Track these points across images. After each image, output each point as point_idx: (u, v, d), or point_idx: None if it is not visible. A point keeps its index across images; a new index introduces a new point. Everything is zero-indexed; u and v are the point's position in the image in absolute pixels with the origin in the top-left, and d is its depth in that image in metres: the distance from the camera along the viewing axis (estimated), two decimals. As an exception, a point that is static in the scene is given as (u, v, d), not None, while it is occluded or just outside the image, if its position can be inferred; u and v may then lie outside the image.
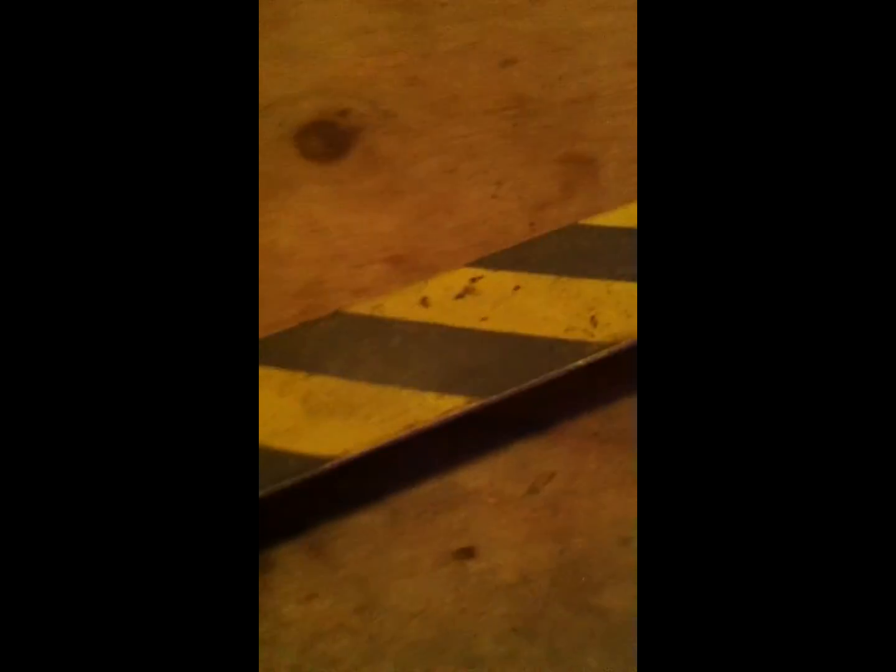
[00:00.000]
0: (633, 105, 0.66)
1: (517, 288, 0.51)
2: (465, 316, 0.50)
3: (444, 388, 0.46)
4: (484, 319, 0.49)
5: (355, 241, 0.62)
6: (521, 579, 0.49)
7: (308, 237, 0.62)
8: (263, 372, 0.49)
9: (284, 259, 0.61)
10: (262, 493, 0.43)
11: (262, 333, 0.56)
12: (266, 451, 0.45)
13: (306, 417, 0.46)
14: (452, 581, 0.49)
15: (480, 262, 0.53)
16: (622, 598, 0.48)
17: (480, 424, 0.52)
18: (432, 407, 0.46)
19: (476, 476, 0.52)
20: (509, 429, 0.53)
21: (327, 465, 0.44)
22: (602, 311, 0.50)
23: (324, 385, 0.48)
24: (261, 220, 0.62)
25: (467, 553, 0.50)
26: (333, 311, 0.52)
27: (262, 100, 0.67)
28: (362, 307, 0.52)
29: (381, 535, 0.50)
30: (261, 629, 0.48)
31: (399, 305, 0.51)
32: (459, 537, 0.50)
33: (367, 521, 0.51)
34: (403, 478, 0.52)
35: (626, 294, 0.50)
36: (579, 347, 0.49)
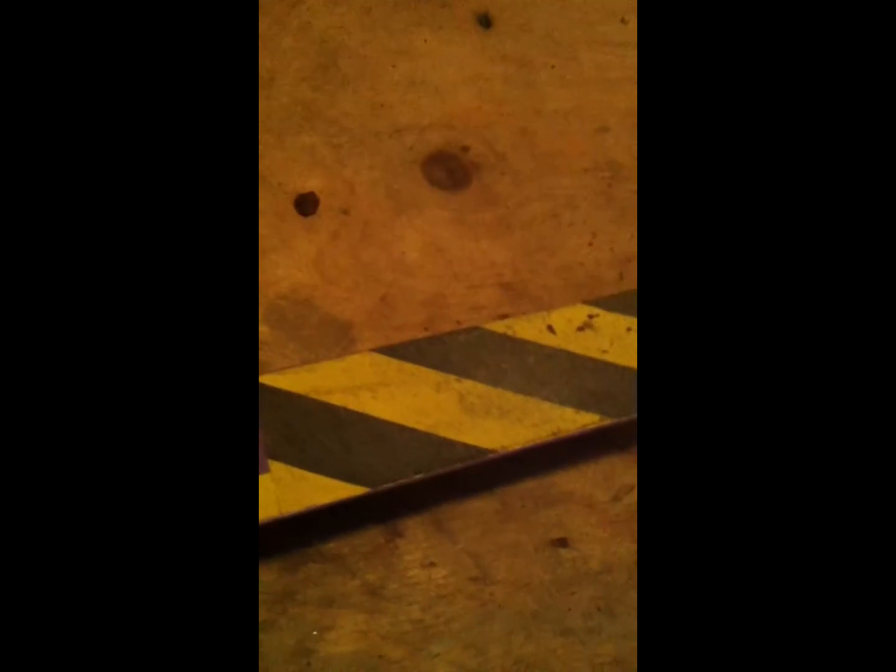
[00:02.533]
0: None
1: (629, 329, 0.62)
2: (587, 346, 0.60)
3: (580, 405, 0.56)
4: (604, 352, 0.60)
5: (472, 265, 0.71)
6: (605, 569, 0.59)
7: (432, 255, 0.71)
8: (420, 369, 0.58)
9: (413, 271, 0.69)
10: (435, 472, 0.52)
11: (395, 331, 0.65)
12: (434, 437, 0.54)
13: (464, 414, 0.55)
14: (550, 564, 0.59)
15: (595, 303, 0.63)
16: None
17: (576, 439, 0.63)
18: (572, 419, 0.56)
19: (571, 480, 0.62)
20: (600, 445, 0.64)
21: (490, 456, 0.53)
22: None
23: (474, 388, 0.57)
24: (392, 233, 0.70)
25: (562, 542, 0.60)
26: (472, 326, 0.61)
27: (394, 124, 0.76)
28: (497, 326, 0.61)
29: (492, 519, 0.60)
30: (391, 588, 0.56)
31: (529, 329, 0.61)
32: (556, 529, 0.60)
33: (481, 507, 0.60)
34: (511, 474, 0.61)
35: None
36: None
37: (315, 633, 0.53)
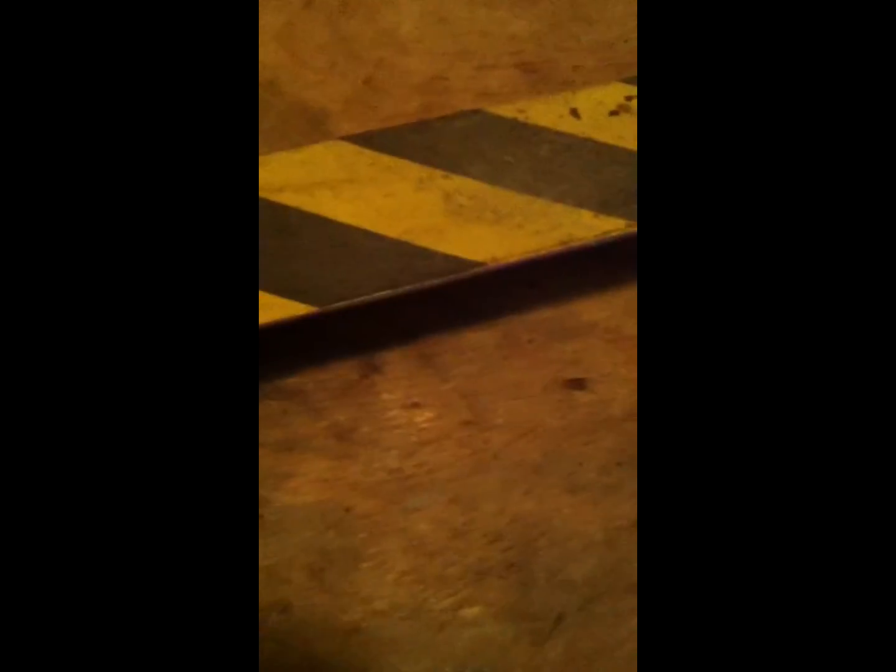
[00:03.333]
0: None
1: (678, 114, 0.47)
2: (620, 135, 0.46)
3: (602, 207, 0.43)
4: (642, 142, 0.45)
5: (485, 40, 0.56)
6: (629, 415, 0.48)
7: (433, 27, 0.56)
8: (398, 162, 0.45)
9: (407, 47, 0.55)
10: (404, 289, 0.41)
11: (380, 123, 0.52)
12: (407, 246, 0.42)
13: (449, 218, 0.43)
14: (561, 409, 0.48)
15: (637, 81, 0.48)
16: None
17: (604, 257, 0.50)
18: (588, 225, 0.43)
19: (594, 310, 0.50)
20: (630, 263, 0.51)
21: (477, 270, 0.41)
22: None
23: (465, 186, 0.44)
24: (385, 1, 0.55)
25: (578, 384, 0.49)
26: (474, 108, 0.47)
27: None
28: (504, 109, 0.48)
29: (492, 354, 0.49)
30: (363, 431, 0.47)
31: (545, 114, 0.47)
32: (572, 367, 0.49)
33: (479, 340, 0.49)
34: (518, 299, 0.49)
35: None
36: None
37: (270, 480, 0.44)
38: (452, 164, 0.45)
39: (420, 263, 0.42)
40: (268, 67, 0.53)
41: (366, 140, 0.46)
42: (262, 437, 0.46)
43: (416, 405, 0.47)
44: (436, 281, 0.41)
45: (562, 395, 0.48)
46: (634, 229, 0.43)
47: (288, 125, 0.52)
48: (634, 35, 0.57)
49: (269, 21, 0.54)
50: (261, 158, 0.45)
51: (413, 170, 0.45)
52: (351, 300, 0.41)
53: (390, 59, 0.54)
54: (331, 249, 0.42)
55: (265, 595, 0.42)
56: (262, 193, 0.43)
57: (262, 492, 0.45)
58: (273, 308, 0.40)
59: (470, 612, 0.44)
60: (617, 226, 0.43)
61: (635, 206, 0.43)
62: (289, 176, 0.44)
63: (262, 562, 0.43)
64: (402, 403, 0.47)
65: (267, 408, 0.46)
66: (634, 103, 0.47)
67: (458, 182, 0.44)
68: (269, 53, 0.53)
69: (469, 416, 0.47)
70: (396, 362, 0.48)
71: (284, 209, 0.43)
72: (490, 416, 0.48)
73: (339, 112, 0.52)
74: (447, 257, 0.42)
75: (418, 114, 0.52)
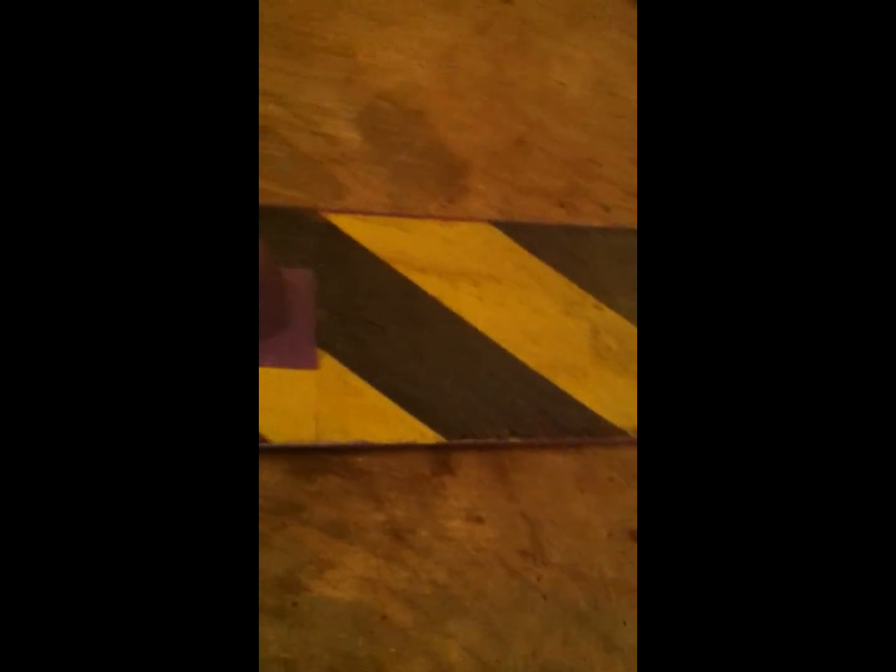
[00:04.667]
0: None
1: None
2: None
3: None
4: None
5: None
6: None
7: (599, 99, 0.50)
8: (547, 271, 0.40)
9: (567, 114, 0.49)
10: (528, 439, 0.37)
11: (515, 198, 0.47)
12: (547, 385, 0.38)
13: (594, 360, 0.39)
14: (620, 560, 0.45)
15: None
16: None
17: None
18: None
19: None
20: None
21: (619, 439, 0.38)
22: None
23: (615, 325, 0.40)
24: (557, 49, 0.49)
25: (634, 536, 0.46)
26: (630, 227, 0.43)
27: None
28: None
29: (567, 484, 0.46)
30: (420, 534, 0.43)
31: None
32: (636, 518, 0.46)
33: (558, 464, 0.45)
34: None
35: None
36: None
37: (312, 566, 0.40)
38: (604, 293, 0.40)
39: (558, 411, 0.38)
40: (420, 92, 0.47)
41: (515, 230, 0.41)
42: (314, 515, 0.41)
43: (479, 520, 0.44)
44: (568, 440, 0.38)
45: (625, 547, 0.46)
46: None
47: (426, 166, 0.46)
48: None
49: (434, 38, 0.48)
50: (404, 222, 0.40)
51: (562, 286, 0.40)
52: (480, 439, 0.37)
53: (547, 123, 0.48)
54: (462, 362, 0.37)
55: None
56: (402, 268, 0.38)
57: (301, 577, 0.41)
58: (390, 419, 0.35)
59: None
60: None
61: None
62: (433, 254, 0.39)
63: (282, 653, 0.39)
64: (466, 514, 0.44)
65: (328, 483, 0.42)
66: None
67: (608, 317, 0.40)
68: (426, 78, 0.47)
69: (528, 545, 0.45)
70: (471, 467, 0.44)
71: (423, 295, 0.38)
72: (548, 552, 0.45)
73: (482, 168, 0.47)
74: (585, 411, 0.38)
75: (561, 196, 0.48)
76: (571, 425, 0.38)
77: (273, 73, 0.43)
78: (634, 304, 0.42)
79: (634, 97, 0.52)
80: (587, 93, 0.50)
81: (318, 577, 0.41)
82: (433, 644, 0.43)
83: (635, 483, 0.47)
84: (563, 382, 0.38)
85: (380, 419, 0.35)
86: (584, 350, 0.39)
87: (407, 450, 0.43)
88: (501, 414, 0.37)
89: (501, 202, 0.46)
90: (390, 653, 0.42)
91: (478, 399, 0.37)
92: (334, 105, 0.45)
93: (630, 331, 0.41)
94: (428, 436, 0.37)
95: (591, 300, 0.40)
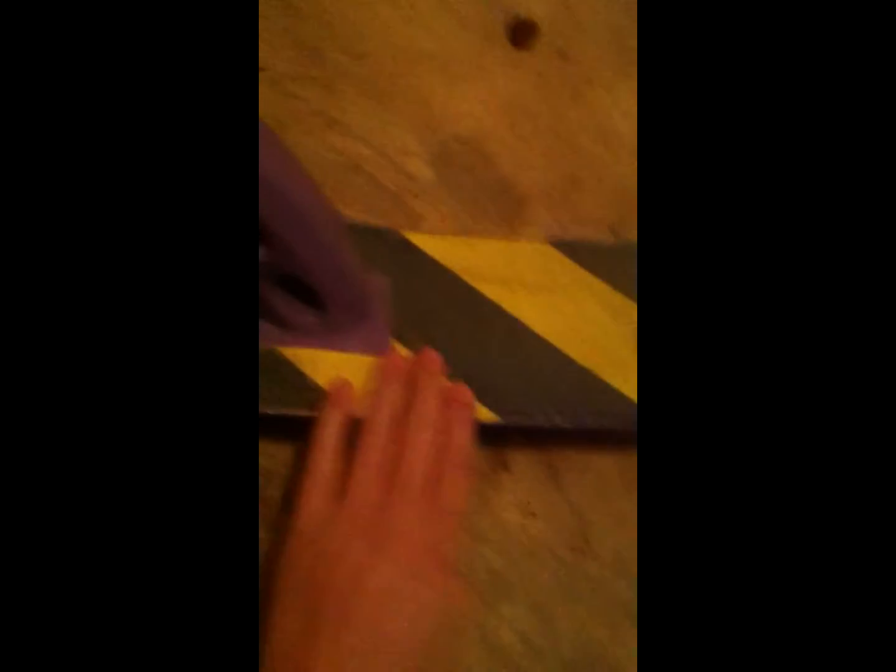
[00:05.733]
0: None
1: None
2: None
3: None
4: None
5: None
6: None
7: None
8: (596, 284, 0.45)
9: (619, 152, 0.55)
10: (573, 423, 0.41)
11: (575, 224, 0.52)
12: (593, 378, 0.42)
13: (635, 356, 0.43)
14: (665, 562, 0.48)
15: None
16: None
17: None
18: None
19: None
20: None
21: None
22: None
23: (659, 334, 0.44)
24: (611, 95, 0.55)
25: (687, 542, 0.49)
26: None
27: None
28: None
29: (615, 482, 0.49)
30: (479, 524, 0.47)
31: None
32: (686, 524, 0.49)
33: (604, 464, 0.49)
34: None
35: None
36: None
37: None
38: (629, 288, 0.45)
39: (601, 399, 0.42)
40: (488, 137, 0.53)
41: (569, 248, 0.47)
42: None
43: (532, 514, 0.48)
44: (611, 424, 0.42)
45: (670, 548, 0.48)
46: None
47: (491, 199, 0.52)
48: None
49: (502, 88, 0.55)
50: (471, 239, 0.46)
51: (609, 295, 0.45)
52: (531, 418, 0.41)
53: (601, 161, 0.54)
54: (516, 356, 0.42)
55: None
56: (468, 278, 0.44)
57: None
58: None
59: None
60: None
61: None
62: (495, 267, 0.44)
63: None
64: (520, 507, 0.48)
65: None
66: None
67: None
68: (493, 121, 0.54)
69: (578, 541, 0.48)
70: (524, 465, 0.48)
71: (485, 300, 0.43)
72: (597, 547, 0.48)
73: (539, 199, 0.53)
74: (624, 399, 0.42)
75: (613, 224, 0.53)
76: (611, 410, 0.42)
77: (362, 117, 0.51)
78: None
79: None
80: (634, 127, 0.56)
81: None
82: (489, 623, 0.46)
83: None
84: (608, 376, 0.43)
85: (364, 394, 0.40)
86: (629, 351, 0.44)
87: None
88: (549, 399, 0.41)
89: (556, 228, 0.52)
90: (447, 629, 0.46)
91: (529, 386, 0.41)
92: (413, 147, 0.52)
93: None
94: (483, 413, 0.41)
95: (635, 307, 0.45)
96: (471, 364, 0.41)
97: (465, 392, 0.41)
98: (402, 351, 0.42)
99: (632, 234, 0.51)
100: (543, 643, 0.46)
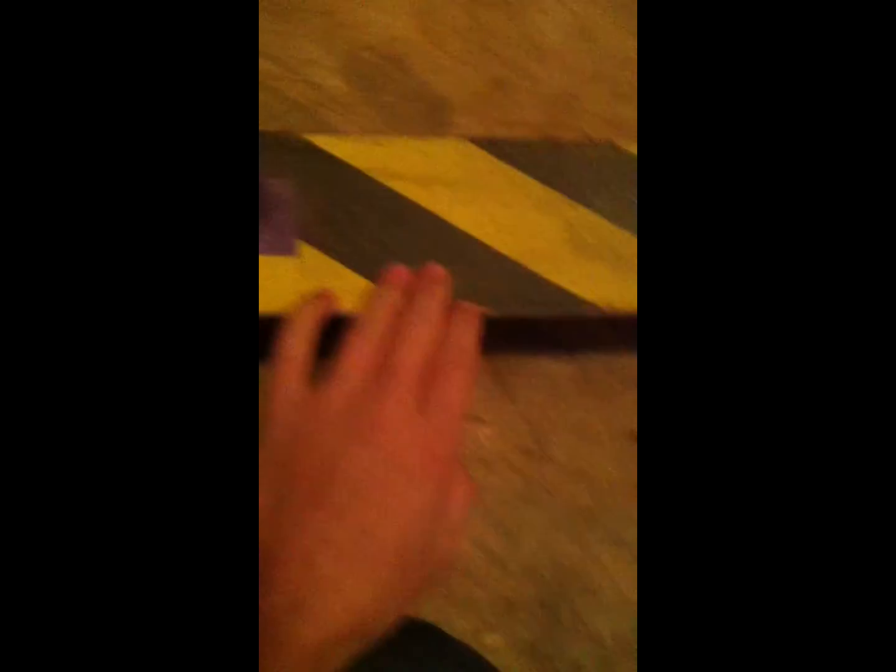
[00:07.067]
0: None
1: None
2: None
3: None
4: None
5: (626, 68, 0.54)
6: (687, 481, 0.47)
7: (577, 43, 0.54)
8: (521, 177, 0.43)
9: (546, 57, 0.53)
10: (506, 312, 0.39)
11: (503, 129, 0.50)
12: (523, 269, 0.40)
13: (568, 249, 0.41)
14: (622, 460, 0.47)
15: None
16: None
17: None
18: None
19: (675, 365, 0.49)
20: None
21: (586, 309, 0.40)
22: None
23: (589, 220, 0.42)
24: (535, 1, 0.53)
25: (634, 437, 0.48)
26: (606, 140, 0.46)
27: None
28: (636, 147, 0.46)
29: (565, 387, 0.48)
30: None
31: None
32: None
33: (554, 370, 0.48)
34: (601, 338, 0.48)
35: None
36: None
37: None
38: (578, 193, 0.43)
39: (532, 290, 0.40)
40: (398, 41, 0.51)
41: (491, 145, 0.45)
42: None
43: (479, 420, 0.46)
44: (543, 311, 0.40)
45: (626, 447, 0.47)
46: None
47: (409, 105, 0.50)
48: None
49: (411, -3, 0.52)
50: (381, 139, 0.44)
51: (536, 189, 0.43)
52: None
53: (524, 64, 0.52)
54: (441, 252, 0.40)
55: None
56: (378, 176, 0.42)
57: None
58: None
59: (490, 638, 0.44)
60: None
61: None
62: (408, 164, 0.42)
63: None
64: (468, 416, 0.46)
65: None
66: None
67: (581, 213, 0.43)
68: (403, 28, 0.52)
69: (530, 443, 0.47)
70: (469, 374, 0.47)
71: (400, 198, 0.41)
72: (551, 450, 0.47)
73: (463, 105, 0.51)
74: (561, 291, 0.40)
75: (543, 128, 0.51)
76: (543, 300, 0.40)
77: (263, 33, 0.48)
78: (606, 203, 0.44)
79: (612, 42, 0.55)
80: (563, 38, 0.54)
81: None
82: (441, 537, 0.45)
83: (634, 387, 0.49)
84: (538, 267, 0.41)
85: (353, 295, 0.39)
86: (559, 242, 0.42)
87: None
88: (477, 293, 0.40)
89: (483, 132, 0.50)
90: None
91: (456, 282, 0.40)
92: (320, 57, 0.49)
93: (602, 224, 0.43)
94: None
95: (564, 199, 0.43)
96: (387, 260, 0.40)
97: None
98: (311, 251, 0.39)
99: (566, 137, 0.49)
100: (502, 550, 0.45)
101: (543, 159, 0.44)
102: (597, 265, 0.41)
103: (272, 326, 0.37)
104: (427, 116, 0.50)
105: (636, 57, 0.54)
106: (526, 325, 0.47)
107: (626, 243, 0.42)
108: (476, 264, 0.40)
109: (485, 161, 0.44)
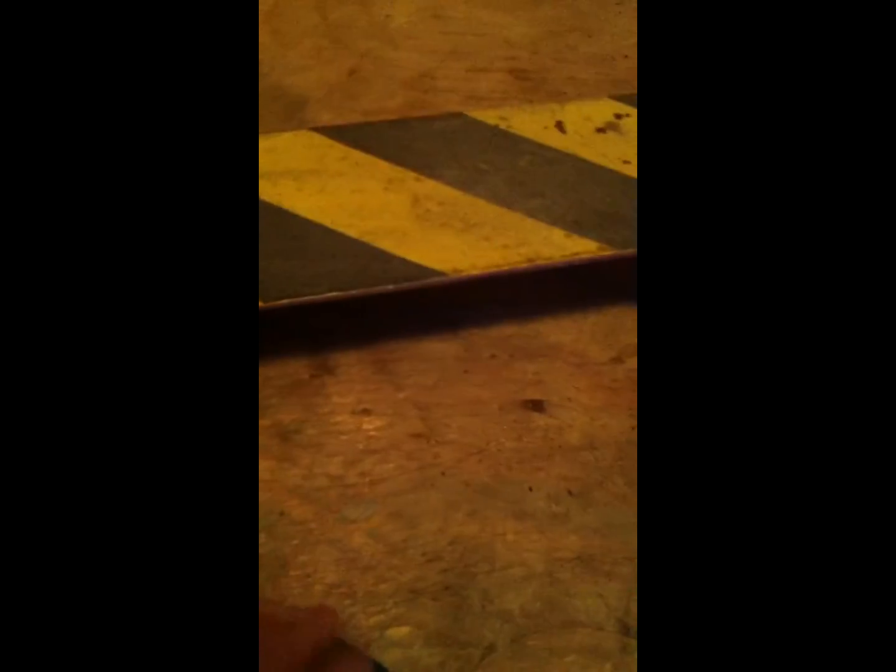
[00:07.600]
0: None
1: (667, 137, 0.45)
2: (605, 153, 0.44)
3: (575, 227, 0.41)
4: (626, 163, 0.44)
5: (479, 42, 0.54)
6: (586, 444, 0.46)
7: (427, 22, 0.54)
8: (369, 159, 0.43)
9: (397, 41, 0.53)
10: (358, 292, 0.39)
11: (361, 117, 0.50)
12: (367, 247, 0.40)
13: (414, 222, 0.41)
14: (516, 430, 0.46)
15: (628, 99, 0.46)
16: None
17: (574, 279, 0.48)
18: (559, 245, 0.41)
19: (561, 331, 0.48)
20: (608, 290, 0.49)
21: (434, 280, 0.40)
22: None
23: (436, 191, 0.42)
24: (377, -13, 0.53)
25: (536, 405, 0.47)
26: (455, 111, 0.46)
27: None
28: (487, 115, 0.46)
29: (451, 367, 0.47)
30: (308, 433, 0.45)
31: (530, 123, 0.45)
32: (532, 388, 0.47)
33: (438, 350, 0.47)
34: (482, 313, 0.48)
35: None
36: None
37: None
38: (426, 167, 0.43)
39: (377, 267, 0.40)
40: (251, 47, 0.51)
41: (338, 132, 0.44)
42: (202, 430, 0.44)
43: (366, 411, 0.46)
44: (390, 287, 0.39)
45: (519, 416, 0.46)
46: (606, 252, 0.41)
47: (264, 109, 0.50)
48: (634, 51, 0.55)
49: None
50: (228, 141, 0.44)
51: (384, 168, 0.43)
52: (295, 298, 0.39)
53: (378, 52, 0.52)
54: (284, 243, 0.40)
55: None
56: (223, 177, 0.41)
57: (194, 487, 0.43)
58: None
59: (398, 632, 0.43)
60: (588, 248, 0.41)
61: (609, 229, 0.41)
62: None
63: (187, 560, 0.41)
64: (351, 408, 0.46)
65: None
66: (624, 122, 0.45)
67: (429, 186, 0.42)
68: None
69: (420, 428, 0.46)
70: (350, 365, 0.46)
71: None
72: (442, 431, 0.46)
73: (319, 101, 0.51)
74: (406, 263, 0.40)
75: (401, 111, 0.51)
76: (391, 275, 0.40)
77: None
78: (454, 171, 0.43)
79: (459, 16, 0.55)
80: (413, 19, 0.54)
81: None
82: (335, 532, 0.44)
83: (516, 358, 0.48)
84: (383, 243, 0.40)
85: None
86: (405, 216, 0.41)
87: (283, 357, 0.46)
88: (320, 277, 0.39)
89: (341, 122, 0.49)
90: (293, 545, 0.44)
91: (300, 269, 0.39)
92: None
93: (450, 193, 0.42)
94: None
95: (411, 175, 0.42)
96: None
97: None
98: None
99: (418, 114, 0.49)
100: (401, 538, 0.44)
101: (391, 139, 0.44)
102: (442, 233, 0.40)
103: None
104: (285, 117, 0.50)
105: (486, 30, 0.54)
106: (416, 309, 0.46)
107: (474, 208, 0.41)
108: (318, 248, 0.40)
109: (332, 149, 0.44)
